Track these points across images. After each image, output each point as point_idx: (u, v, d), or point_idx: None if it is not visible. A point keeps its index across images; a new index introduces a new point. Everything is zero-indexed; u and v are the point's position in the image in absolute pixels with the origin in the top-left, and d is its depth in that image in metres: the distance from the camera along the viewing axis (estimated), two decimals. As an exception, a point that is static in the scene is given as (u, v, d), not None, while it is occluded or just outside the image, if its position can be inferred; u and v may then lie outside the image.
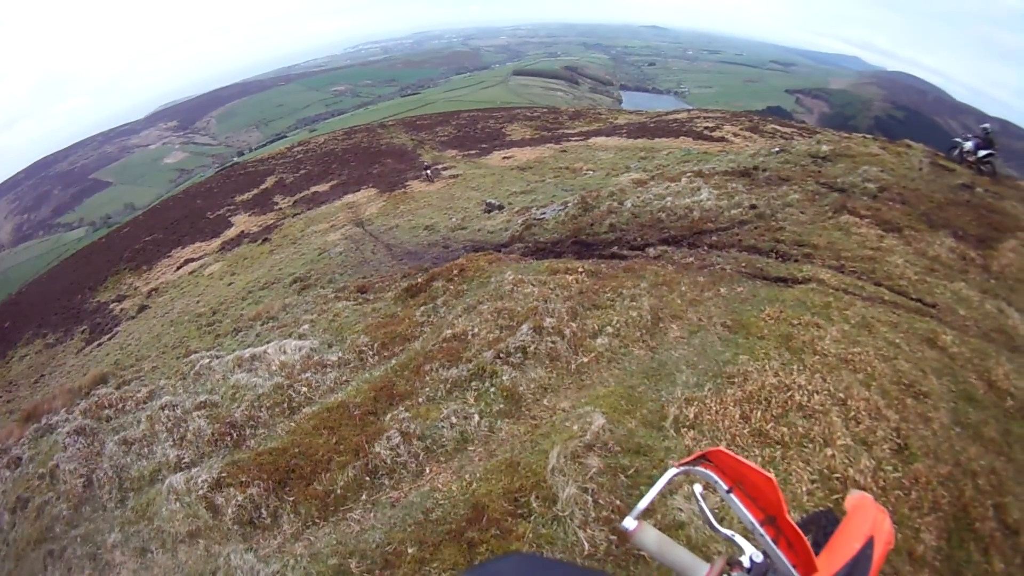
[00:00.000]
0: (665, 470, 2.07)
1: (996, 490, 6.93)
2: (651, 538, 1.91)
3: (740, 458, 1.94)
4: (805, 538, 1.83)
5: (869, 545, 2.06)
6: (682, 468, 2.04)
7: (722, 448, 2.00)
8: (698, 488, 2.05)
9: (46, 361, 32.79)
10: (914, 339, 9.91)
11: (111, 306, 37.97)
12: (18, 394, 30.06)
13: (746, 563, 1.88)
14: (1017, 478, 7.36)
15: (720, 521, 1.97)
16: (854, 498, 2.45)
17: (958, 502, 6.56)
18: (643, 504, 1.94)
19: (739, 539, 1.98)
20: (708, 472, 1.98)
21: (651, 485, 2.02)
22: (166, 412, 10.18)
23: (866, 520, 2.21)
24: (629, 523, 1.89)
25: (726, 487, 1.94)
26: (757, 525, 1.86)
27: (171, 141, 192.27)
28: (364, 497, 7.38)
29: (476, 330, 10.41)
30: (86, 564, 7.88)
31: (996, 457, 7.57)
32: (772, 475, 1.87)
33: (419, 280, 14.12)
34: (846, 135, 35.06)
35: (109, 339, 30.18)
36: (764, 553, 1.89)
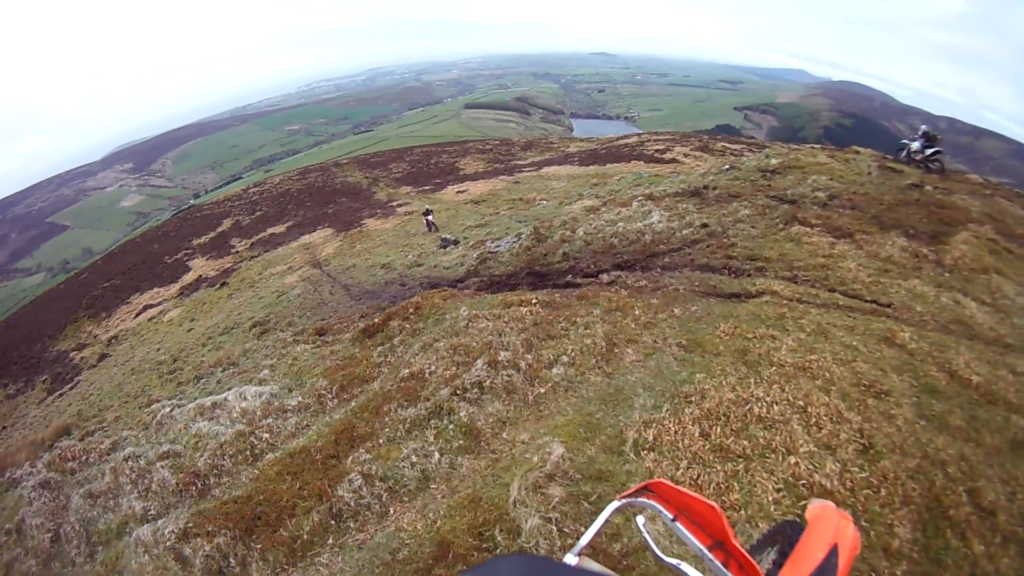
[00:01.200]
0: (607, 504, 2.09)
1: (968, 476, 7.12)
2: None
3: (681, 488, 1.97)
4: (754, 561, 1.83)
5: (834, 553, 1.97)
6: (625, 500, 2.06)
7: (662, 480, 2.04)
8: (641, 519, 2.08)
9: (8, 412, 32.20)
10: (871, 340, 10.17)
11: (71, 355, 37.40)
12: (-20, 447, 29.54)
13: None
14: (988, 461, 7.54)
15: (666, 551, 2.06)
16: (815, 507, 2.30)
17: (930, 493, 6.72)
18: (584, 540, 1.97)
19: (685, 567, 1.93)
20: (651, 502, 2.01)
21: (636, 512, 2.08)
22: (130, 463, 10.17)
23: (828, 528, 2.11)
24: (570, 559, 1.91)
25: (670, 516, 1.96)
26: (706, 551, 1.88)
27: (128, 183, 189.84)
28: (331, 541, 7.42)
29: (433, 368, 10.50)
30: (57, 622, 7.89)
31: (964, 444, 7.76)
32: (714, 503, 1.88)
33: (376, 320, 14.20)
34: (795, 147, 35.59)
35: (71, 389, 29.73)
36: None
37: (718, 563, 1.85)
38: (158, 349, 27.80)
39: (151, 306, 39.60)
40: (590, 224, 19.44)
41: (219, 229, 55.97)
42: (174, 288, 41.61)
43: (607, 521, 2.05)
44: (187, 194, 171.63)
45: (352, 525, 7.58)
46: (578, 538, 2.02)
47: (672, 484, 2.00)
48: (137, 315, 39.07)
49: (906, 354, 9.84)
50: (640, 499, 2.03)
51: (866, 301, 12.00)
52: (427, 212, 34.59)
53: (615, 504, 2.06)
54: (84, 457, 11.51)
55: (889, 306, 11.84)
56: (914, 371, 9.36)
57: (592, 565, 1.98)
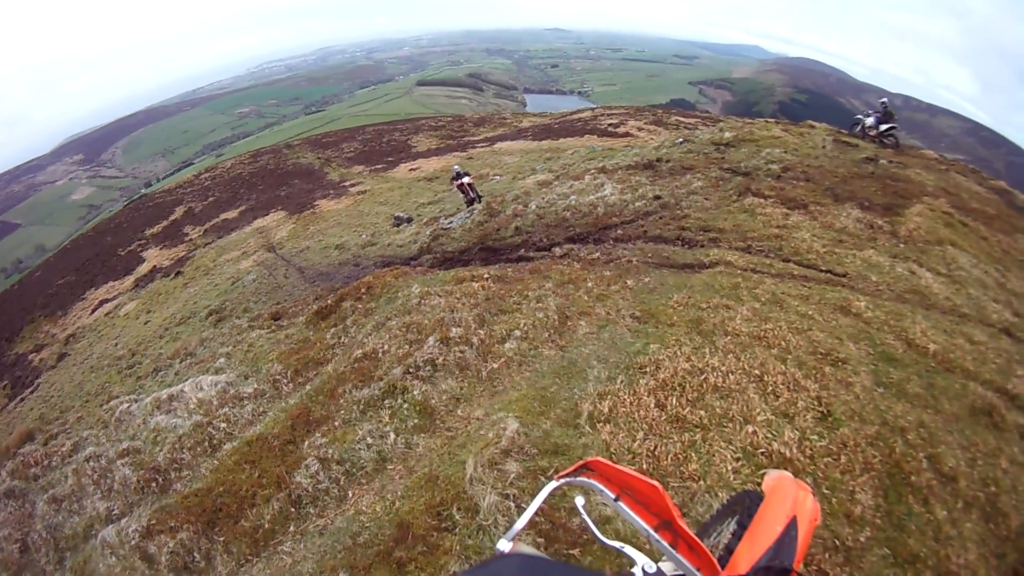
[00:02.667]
0: (544, 484, 2.07)
1: (927, 442, 7.24)
2: None
3: (621, 467, 1.93)
4: (701, 542, 1.79)
5: (793, 525, 2.06)
6: (563, 480, 2.03)
7: (600, 458, 2.00)
8: (580, 500, 2.00)
9: (-30, 422, 31.78)
10: (827, 309, 10.32)
11: (30, 357, 36.77)
12: (-56, 460, 29.10)
13: (639, 574, 1.79)
14: (947, 428, 7.71)
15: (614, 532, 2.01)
16: (772, 478, 2.45)
17: (890, 459, 6.83)
18: (520, 524, 1.91)
19: (629, 550, 1.91)
20: (592, 482, 1.97)
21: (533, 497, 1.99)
22: (91, 464, 10.06)
23: (786, 500, 2.21)
24: (503, 545, 1.85)
25: (613, 495, 1.93)
26: (652, 531, 1.86)
27: (78, 176, 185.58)
28: (292, 528, 7.44)
29: (386, 347, 10.50)
30: (31, 633, 7.85)
31: (923, 411, 7.91)
32: (656, 482, 1.85)
33: (329, 302, 14.15)
34: (749, 121, 35.81)
35: (31, 392, 29.27)
36: (658, 562, 1.85)
37: (665, 543, 1.83)
38: (116, 344, 27.49)
39: (107, 300, 39.01)
40: (543, 198, 19.53)
41: (172, 217, 55.15)
42: (129, 280, 41.01)
43: (544, 502, 2.00)
44: (138, 183, 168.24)
45: (312, 511, 7.60)
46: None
47: (611, 463, 1.97)
48: (93, 311, 38.50)
49: (862, 323, 10.03)
50: (580, 478, 2.00)
51: (821, 271, 12.20)
52: (458, 176, 25.67)
53: (552, 484, 2.02)
54: (47, 461, 11.30)
55: (844, 276, 12.05)
56: (871, 339, 9.53)
57: (525, 549, 1.92)
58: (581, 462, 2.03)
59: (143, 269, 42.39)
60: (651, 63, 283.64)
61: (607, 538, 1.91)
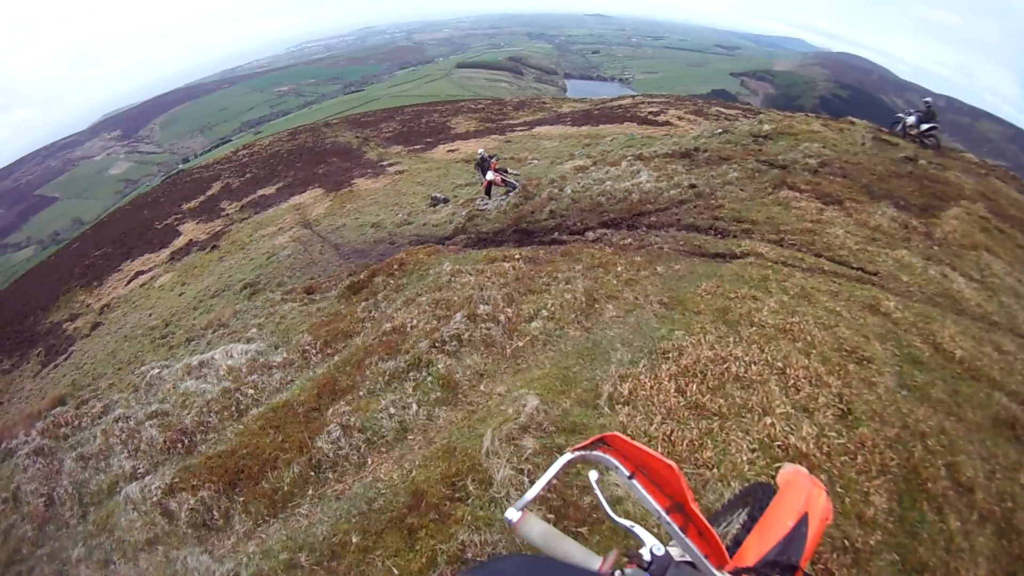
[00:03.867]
0: (559, 456, 1.98)
1: (947, 450, 7.11)
2: (536, 530, 1.83)
3: (639, 444, 1.87)
4: (712, 528, 1.77)
5: (803, 522, 2.07)
6: (578, 453, 1.96)
7: (618, 433, 1.93)
8: (594, 475, 1.93)
9: (3, 387, 32.09)
10: (855, 306, 10.18)
11: (64, 326, 37.24)
12: (-23, 424, 29.58)
13: (646, 555, 1.73)
14: (968, 437, 7.56)
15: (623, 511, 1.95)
16: (787, 472, 2.45)
17: (908, 463, 6.71)
18: (531, 494, 1.89)
19: (639, 530, 1.82)
20: (608, 457, 1.91)
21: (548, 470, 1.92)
22: (120, 425, 10.24)
23: (800, 495, 2.21)
24: (512, 514, 1.82)
25: (627, 472, 1.87)
26: (663, 513, 1.80)
27: (115, 151, 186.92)
28: (310, 492, 7.55)
29: (415, 322, 10.57)
30: (54, 582, 7.98)
31: (946, 417, 7.77)
32: (673, 462, 1.79)
33: (361, 277, 14.23)
34: (789, 114, 35.27)
35: (65, 360, 29.68)
36: (666, 545, 1.79)
37: (676, 527, 1.79)
38: (150, 315, 27.80)
39: (142, 272, 39.39)
40: (578, 182, 19.48)
41: (208, 193, 55.52)
42: (165, 253, 41.37)
43: (557, 474, 1.97)
44: (176, 159, 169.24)
45: (331, 476, 7.70)
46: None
47: (628, 439, 1.91)
48: (129, 282, 38.90)
49: (890, 323, 9.89)
50: (595, 452, 1.93)
51: (852, 268, 12.04)
52: (483, 162, 23.08)
53: (567, 456, 1.97)
54: (77, 422, 11.55)
55: (875, 274, 11.88)
56: (897, 340, 9.39)
57: (534, 522, 1.84)
58: (598, 436, 1.97)
59: (179, 242, 42.73)
60: (693, 52, 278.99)
61: (618, 516, 1.85)
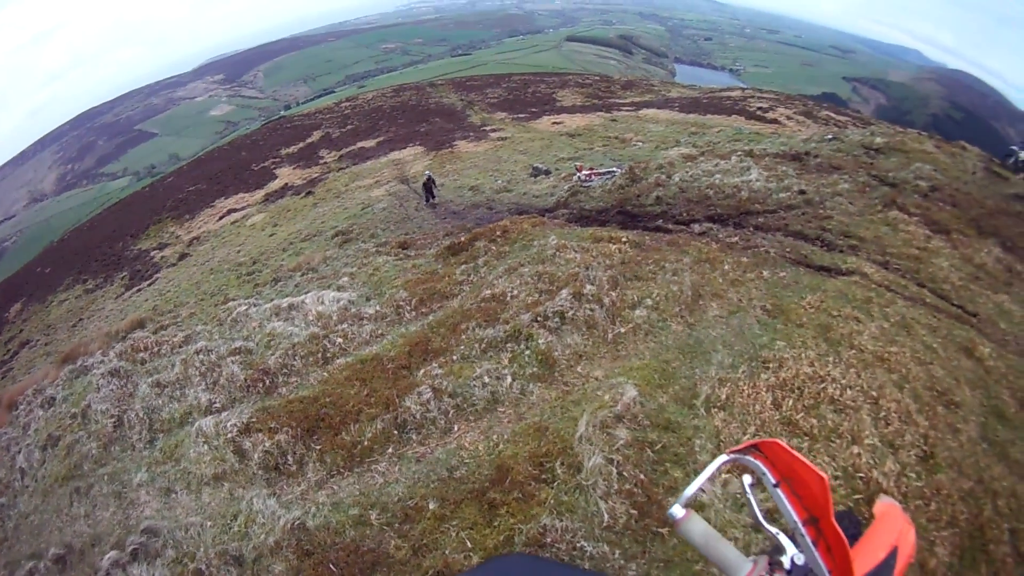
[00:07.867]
0: (716, 456, 1.96)
1: (1015, 514, 6.78)
2: (698, 529, 1.84)
3: (796, 453, 1.85)
4: (847, 545, 1.73)
5: (893, 555, 2.04)
6: (733, 455, 1.95)
7: (779, 440, 1.90)
8: (747, 479, 1.95)
9: (85, 306, 33.21)
10: (951, 346, 9.72)
11: (152, 253, 38.35)
12: (56, 337, 30.66)
13: (787, 564, 1.77)
14: None
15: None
16: (883, 505, 2.43)
17: (976, 520, 6.41)
18: (691, 490, 1.86)
19: (783, 539, 1.85)
20: (758, 463, 1.91)
21: (696, 468, 1.96)
22: (200, 357, 10.30)
23: (893, 529, 2.20)
24: (677, 511, 1.82)
25: (773, 481, 1.88)
26: (800, 524, 1.80)
27: (217, 94, 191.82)
28: (391, 450, 7.43)
29: (515, 292, 10.37)
30: (111, 502, 7.96)
31: (1019, 480, 7.39)
32: (826, 475, 1.76)
33: (462, 239, 14.13)
34: (901, 129, 34.13)
35: (148, 285, 30.55)
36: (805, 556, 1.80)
37: (808, 540, 1.78)
38: (238, 251, 28.38)
39: (235, 210, 40.35)
40: (686, 172, 18.94)
41: (308, 140, 56.62)
42: (259, 194, 42.27)
43: (713, 474, 1.93)
44: (278, 105, 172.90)
45: (414, 437, 7.59)
46: (684, 487, 1.88)
47: (787, 447, 1.88)
48: (220, 218, 39.86)
49: (983, 370, 9.45)
50: (747, 457, 1.93)
51: (953, 304, 11.51)
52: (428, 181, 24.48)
53: (723, 458, 1.95)
54: (156, 349, 11.66)
55: (975, 316, 11.34)
56: (987, 390, 8.96)
57: (696, 522, 1.85)
58: (754, 441, 1.93)
59: (274, 185, 43.60)
60: (806, 51, 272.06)
61: (768, 524, 1.86)
